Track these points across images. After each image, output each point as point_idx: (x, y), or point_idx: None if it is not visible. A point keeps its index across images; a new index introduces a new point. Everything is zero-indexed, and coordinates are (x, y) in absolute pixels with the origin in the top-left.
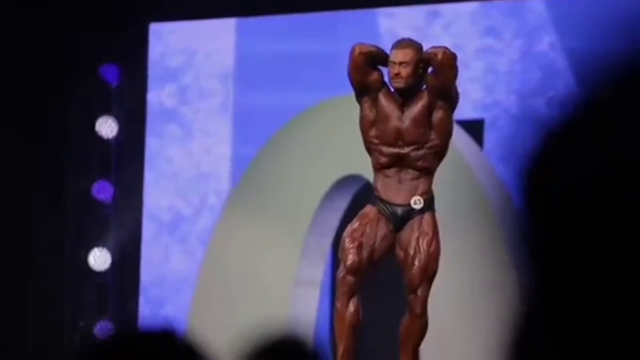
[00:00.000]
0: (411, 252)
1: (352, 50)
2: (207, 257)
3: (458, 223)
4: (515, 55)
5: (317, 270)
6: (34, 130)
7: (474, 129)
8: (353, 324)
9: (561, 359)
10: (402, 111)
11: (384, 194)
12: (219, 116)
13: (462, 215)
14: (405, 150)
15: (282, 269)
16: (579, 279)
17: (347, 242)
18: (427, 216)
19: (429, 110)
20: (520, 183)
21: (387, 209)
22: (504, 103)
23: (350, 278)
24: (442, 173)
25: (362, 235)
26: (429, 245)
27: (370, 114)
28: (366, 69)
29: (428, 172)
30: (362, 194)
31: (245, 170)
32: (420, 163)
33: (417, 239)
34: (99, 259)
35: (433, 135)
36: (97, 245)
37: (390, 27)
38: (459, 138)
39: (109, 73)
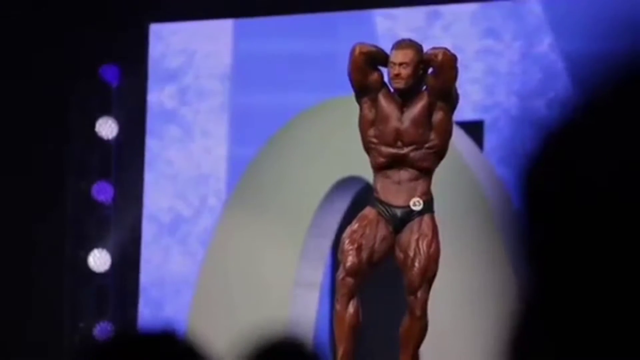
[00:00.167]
0: (411, 253)
1: (352, 50)
2: (207, 258)
3: (458, 224)
4: (515, 56)
5: (317, 272)
6: (34, 131)
7: (474, 130)
8: (353, 326)
9: None
10: (402, 112)
11: (383, 196)
12: (219, 117)
13: (461, 216)
14: (404, 150)
15: (281, 270)
16: (578, 280)
17: (347, 244)
18: (426, 218)
19: (428, 111)
20: (520, 184)
21: (387, 210)
22: (504, 104)
23: (349, 280)
24: (442, 174)
25: (361, 236)
26: (429, 247)
27: (370, 114)
28: (366, 69)
29: (427, 173)
30: (362, 196)
31: (245, 171)
32: (419, 163)
33: (417, 241)
34: (99, 260)
35: (432, 136)
36: (97, 247)
37: (390, 28)
38: (459, 139)
39: (109, 73)
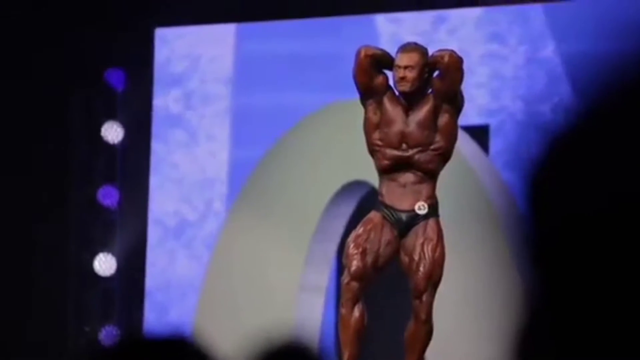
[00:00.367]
0: (416, 258)
1: (358, 53)
2: (212, 262)
3: (463, 228)
4: (521, 60)
5: (322, 276)
6: (39, 135)
7: (480, 134)
8: (358, 330)
9: None
10: (407, 115)
11: (388, 199)
12: (224, 121)
13: (467, 220)
14: (409, 153)
15: (287, 274)
16: (583, 284)
17: (352, 248)
18: (431, 222)
19: (434, 114)
20: (525, 188)
21: (392, 214)
22: (509, 109)
23: (354, 284)
24: (447, 178)
25: (366, 241)
26: (434, 251)
27: (375, 117)
28: (371, 71)
29: (432, 176)
30: (368, 200)
31: (250, 175)
32: (424, 165)
33: (422, 245)
34: (105, 264)
35: (438, 138)
36: (102, 251)
37: (396, 32)
38: (464, 143)
39: (115, 78)
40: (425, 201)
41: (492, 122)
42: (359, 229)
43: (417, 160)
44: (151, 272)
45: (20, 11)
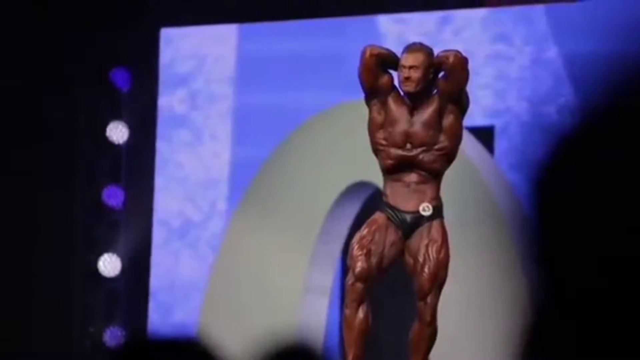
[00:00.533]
0: (420, 259)
1: (363, 52)
2: (216, 262)
3: (468, 230)
4: (526, 61)
5: (327, 277)
6: (44, 135)
7: (485, 135)
8: (362, 331)
9: None
10: (412, 115)
11: (392, 200)
12: (229, 121)
13: (472, 221)
14: (413, 152)
15: (291, 275)
16: (589, 286)
17: (356, 249)
18: (436, 223)
19: (439, 114)
20: (530, 190)
21: (396, 215)
22: (514, 109)
23: (359, 285)
24: (452, 179)
25: (370, 242)
26: (438, 252)
27: (379, 117)
28: (377, 70)
29: (436, 176)
30: (372, 201)
31: (255, 176)
32: (428, 165)
33: (427, 247)
34: (109, 264)
35: (442, 138)
36: (107, 251)
37: (401, 32)
38: (469, 144)
39: (120, 78)
40: (429, 202)
41: (497, 123)
42: (364, 230)
43: (421, 160)
44: (156, 273)
45: (25, 11)
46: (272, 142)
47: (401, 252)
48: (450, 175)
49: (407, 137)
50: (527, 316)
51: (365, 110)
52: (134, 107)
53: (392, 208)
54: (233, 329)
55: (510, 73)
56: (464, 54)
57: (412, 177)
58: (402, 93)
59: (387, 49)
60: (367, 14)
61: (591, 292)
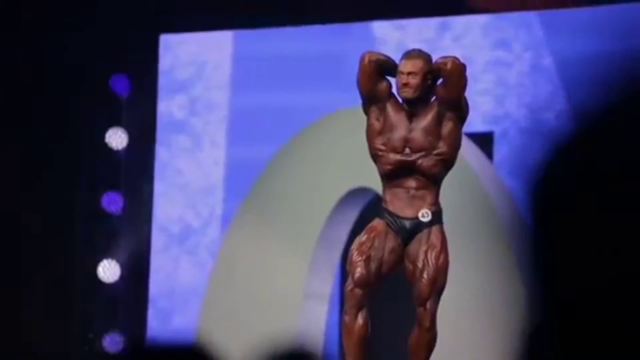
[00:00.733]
0: (420, 265)
1: (362, 58)
2: (216, 268)
3: (467, 236)
4: (525, 67)
5: (326, 284)
6: (43, 141)
7: (484, 141)
8: (362, 337)
9: None
10: (411, 121)
11: (392, 207)
12: (229, 127)
13: (471, 228)
14: (412, 157)
15: (290, 282)
16: (588, 292)
17: (355, 255)
18: (435, 229)
19: (438, 121)
20: (529, 196)
21: (396, 222)
22: (514, 116)
23: (358, 291)
24: (452, 185)
25: (370, 248)
26: (437, 258)
27: (377, 124)
28: (375, 76)
29: (435, 181)
30: (371, 207)
31: (255, 183)
32: (427, 170)
33: (426, 252)
34: (109, 270)
35: (441, 144)
36: (106, 257)
37: (401, 39)
38: (469, 150)
39: (119, 84)
40: (428, 208)
41: (497, 129)
42: (363, 236)
43: (420, 165)
44: (155, 279)
45: (25, 17)
46: (270, 148)
47: (400, 258)
48: (449, 181)
49: (406, 142)
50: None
51: (363, 116)
52: (134, 113)
53: (392, 214)
54: (232, 335)
55: (510, 79)
56: (463, 60)
57: (411, 182)
58: (400, 99)
59: (386, 55)
60: (366, 21)
61: (590, 298)
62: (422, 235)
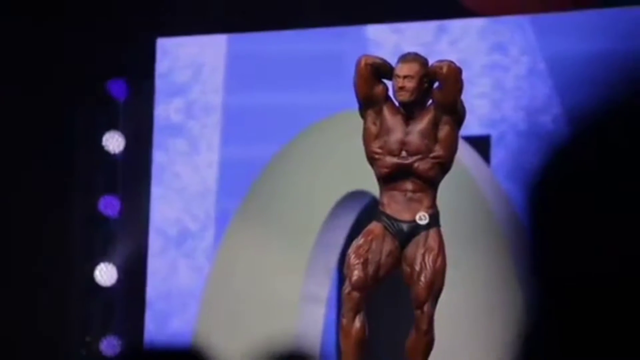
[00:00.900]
0: (417, 268)
1: (358, 62)
2: (213, 271)
3: (464, 239)
4: (522, 71)
5: (323, 287)
6: (40, 145)
7: (481, 145)
8: (359, 340)
9: None
10: (407, 124)
11: (389, 210)
12: (225, 130)
13: (468, 231)
14: (409, 160)
15: (288, 285)
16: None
17: (353, 258)
18: (432, 232)
19: (434, 124)
20: (527, 199)
21: (393, 225)
22: (511, 119)
23: (355, 294)
24: (449, 189)
25: (367, 251)
26: (435, 261)
27: (374, 127)
28: (372, 80)
29: (432, 184)
30: (369, 210)
31: (252, 186)
32: (424, 173)
33: (423, 255)
34: (106, 274)
35: (437, 147)
36: (103, 261)
37: (397, 42)
38: (466, 154)
39: (116, 88)
40: (426, 211)
41: (494, 133)
42: (360, 240)
43: (417, 168)
44: (152, 282)
45: (21, 22)
46: (266, 152)
47: (398, 261)
48: (446, 185)
49: (403, 145)
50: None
51: (360, 120)
52: (130, 117)
53: (389, 217)
54: (230, 339)
55: (507, 83)
56: (459, 64)
57: (408, 185)
58: (396, 103)
59: (382, 59)
60: (363, 24)
61: (587, 302)
62: (420, 238)
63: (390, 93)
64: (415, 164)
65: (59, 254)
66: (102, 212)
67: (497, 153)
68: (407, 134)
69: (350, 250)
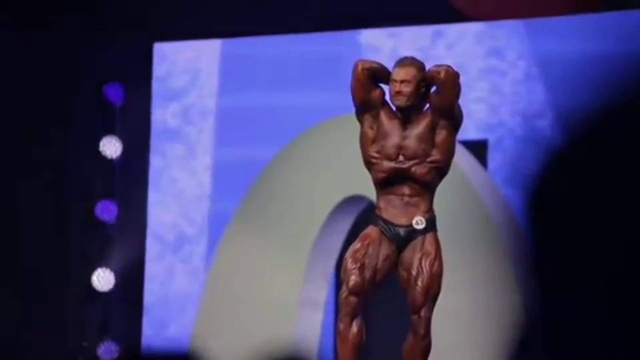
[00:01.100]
0: (414, 272)
1: (355, 66)
2: (210, 277)
3: (461, 243)
4: (520, 75)
5: (321, 291)
6: (37, 150)
7: (478, 149)
8: (356, 345)
9: None
10: (404, 129)
11: (386, 214)
12: (222, 135)
13: (465, 235)
14: (406, 165)
15: (285, 290)
16: (582, 299)
17: (350, 263)
18: (429, 236)
19: (431, 129)
20: (524, 203)
21: (390, 229)
22: (508, 124)
23: (352, 299)
24: (446, 193)
25: (364, 256)
26: (432, 265)
27: (371, 132)
28: (369, 84)
29: (429, 189)
30: (366, 215)
31: (249, 190)
32: (421, 177)
33: (420, 260)
34: (103, 279)
35: (434, 152)
36: (100, 266)
37: (394, 46)
38: (463, 158)
39: (113, 93)
40: (422, 215)
41: (491, 137)
42: (357, 244)
43: (414, 172)
44: (150, 287)
45: (18, 27)
46: (262, 157)
47: (395, 266)
48: (443, 189)
49: (400, 149)
50: (520, 328)
51: (357, 124)
52: (128, 121)
53: (386, 222)
54: (227, 343)
55: (504, 87)
56: (457, 68)
57: (405, 190)
58: (393, 107)
59: (379, 63)
60: (359, 28)
61: (585, 304)
62: (416, 242)
63: (387, 97)
64: (413, 169)
65: (56, 259)
66: (99, 217)
67: (495, 157)
68: (404, 138)
69: (347, 255)
